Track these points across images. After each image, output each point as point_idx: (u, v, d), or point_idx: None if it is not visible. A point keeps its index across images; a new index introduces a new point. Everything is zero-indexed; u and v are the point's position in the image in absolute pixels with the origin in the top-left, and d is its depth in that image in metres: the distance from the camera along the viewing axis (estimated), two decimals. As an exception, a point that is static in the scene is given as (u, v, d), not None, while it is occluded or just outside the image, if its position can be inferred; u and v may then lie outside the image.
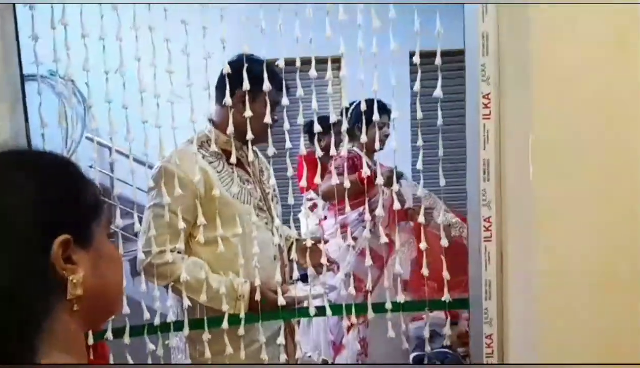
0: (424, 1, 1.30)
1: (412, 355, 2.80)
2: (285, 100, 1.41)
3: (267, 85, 1.40)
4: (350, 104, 2.68)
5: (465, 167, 1.29)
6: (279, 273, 1.55)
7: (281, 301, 1.49)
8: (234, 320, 1.47)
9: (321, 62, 1.36)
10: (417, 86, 1.35)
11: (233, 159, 1.46)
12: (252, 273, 1.49)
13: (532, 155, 1.09)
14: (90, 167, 1.62)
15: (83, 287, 0.62)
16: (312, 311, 1.47)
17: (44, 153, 0.70)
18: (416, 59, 1.32)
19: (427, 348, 1.50)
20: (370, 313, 1.46)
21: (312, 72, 1.37)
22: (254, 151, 1.85)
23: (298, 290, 1.61)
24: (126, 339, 1.46)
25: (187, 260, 1.53)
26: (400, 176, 2.35)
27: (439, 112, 1.33)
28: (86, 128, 4.03)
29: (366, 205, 1.44)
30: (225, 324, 1.45)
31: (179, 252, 1.54)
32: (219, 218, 1.47)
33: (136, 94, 1.39)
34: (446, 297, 1.43)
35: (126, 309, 1.45)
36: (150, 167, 1.60)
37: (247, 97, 1.43)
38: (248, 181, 1.72)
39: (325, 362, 3.11)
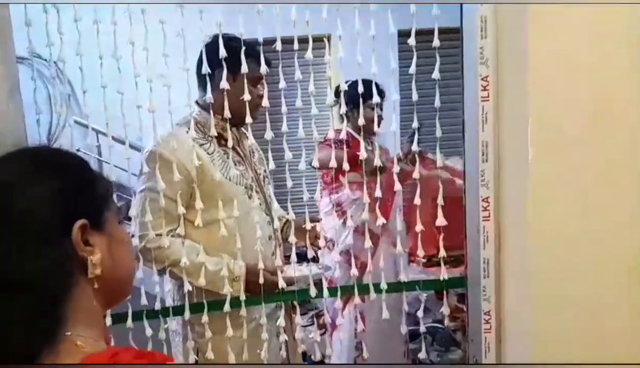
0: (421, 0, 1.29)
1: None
2: (263, 69, 1.43)
3: (244, 68, 1.38)
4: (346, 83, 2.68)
5: (463, 149, 1.31)
6: (278, 254, 1.57)
7: (282, 283, 1.51)
8: (235, 303, 1.49)
9: (314, 41, 1.34)
10: (412, 68, 1.35)
11: (230, 142, 1.47)
12: (248, 254, 1.51)
13: (531, 137, 1.10)
14: (77, 150, 1.61)
15: (101, 267, 0.71)
16: (312, 292, 1.50)
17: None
18: (411, 41, 1.32)
19: (422, 327, 1.52)
20: (373, 295, 1.49)
21: (309, 54, 1.36)
22: (243, 133, 1.85)
23: (295, 270, 1.63)
24: (129, 323, 1.48)
25: (180, 243, 1.54)
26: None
27: (437, 94, 1.34)
28: (71, 112, 3.97)
29: (365, 189, 1.45)
30: (227, 307, 1.47)
31: (179, 236, 1.54)
32: (214, 201, 1.48)
33: (129, 79, 1.36)
34: (442, 275, 1.47)
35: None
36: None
37: (245, 80, 1.43)
38: (240, 163, 1.73)
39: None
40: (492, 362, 1.30)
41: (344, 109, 1.53)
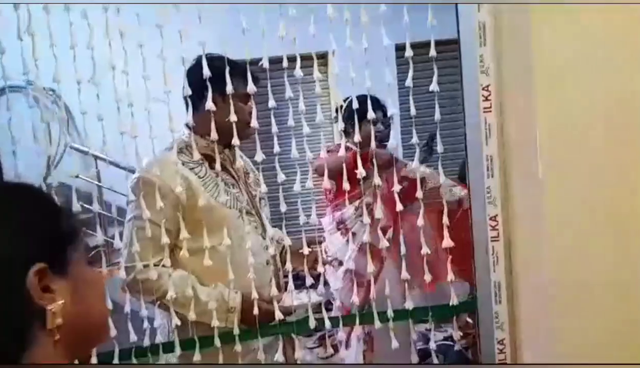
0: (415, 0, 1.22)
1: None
2: (251, 87, 1.33)
3: (229, 87, 1.32)
4: (344, 100, 2.63)
5: (466, 165, 1.22)
6: (274, 283, 1.48)
7: (278, 314, 1.42)
8: (227, 337, 1.40)
9: (307, 59, 1.28)
10: (409, 81, 1.27)
11: (218, 165, 1.38)
12: (244, 283, 1.42)
13: (540, 148, 1.01)
14: (77, 176, 1.54)
15: (63, 316, 0.62)
16: (311, 323, 1.40)
17: (10, 184, 0.74)
18: (408, 53, 1.25)
19: (432, 344, 1.43)
20: (377, 324, 1.39)
21: (298, 72, 1.29)
22: (237, 154, 1.78)
23: (293, 299, 1.53)
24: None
25: (173, 274, 1.46)
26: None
27: (437, 107, 1.26)
28: (70, 138, 3.92)
29: (364, 206, 1.37)
30: (217, 342, 1.37)
31: (164, 266, 1.47)
32: (206, 227, 1.39)
33: (113, 103, 1.31)
34: (452, 301, 1.37)
35: (113, 331, 1.38)
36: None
37: (231, 100, 1.35)
38: (234, 185, 1.65)
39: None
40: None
41: (341, 125, 1.45)
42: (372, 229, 1.44)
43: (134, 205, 1.47)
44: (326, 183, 1.41)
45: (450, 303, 1.37)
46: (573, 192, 1.03)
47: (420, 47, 1.27)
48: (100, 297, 0.73)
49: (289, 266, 1.40)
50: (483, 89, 1.12)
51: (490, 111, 1.12)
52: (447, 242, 1.27)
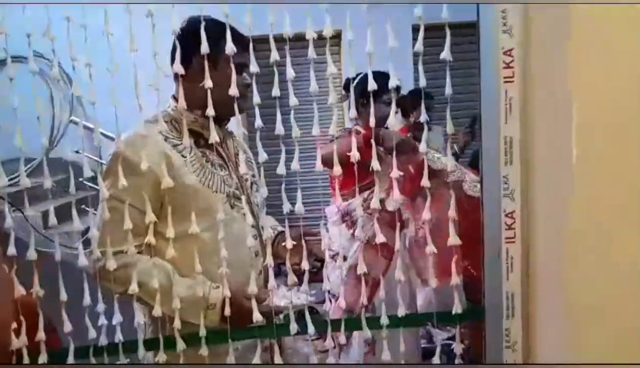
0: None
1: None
2: (254, 67, 1.13)
3: (230, 46, 1.12)
4: (354, 77, 2.43)
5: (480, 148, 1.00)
6: (254, 278, 1.29)
7: (257, 317, 1.23)
8: (193, 339, 1.21)
9: (317, 38, 1.10)
10: (418, 45, 1.06)
11: (213, 138, 1.18)
12: (231, 276, 1.24)
13: (576, 131, 0.79)
14: (77, 152, 1.40)
15: None
16: (292, 329, 1.20)
17: None
18: (417, 12, 1.03)
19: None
20: (367, 332, 1.21)
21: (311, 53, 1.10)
22: (229, 132, 1.62)
23: (279, 297, 1.34)
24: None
25: (147, 261, 1.32)
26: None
27: (448, 79, 1.05)
28: (73, 111, 3.83)
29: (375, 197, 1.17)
30: (180, 346, 1.19)
31: (139, 252, 1.34)
32: (185, 211, 1.22)
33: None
34: (456, 308, 1.17)
35: (68, 326, 1.21)
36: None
37: (206, 63, 1.15)
38: (222, 166, 1.48)
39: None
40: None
41: (352, 111, 1.22)
42: (381, 223, 1.24)
43: (109, 183, 1.32)
44: (336, 170, 1.21)
45: (454, 311, 1.17)
46: (611, 187, 0.81)
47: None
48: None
49: (269, 260, 1.21)
50: (504, 53, 0.90)
51: (513, 81, 0.90)
52: (454, 240, 1.07)
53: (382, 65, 1.15)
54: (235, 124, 1.17)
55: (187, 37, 1.16)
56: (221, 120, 1.51)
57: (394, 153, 1.13)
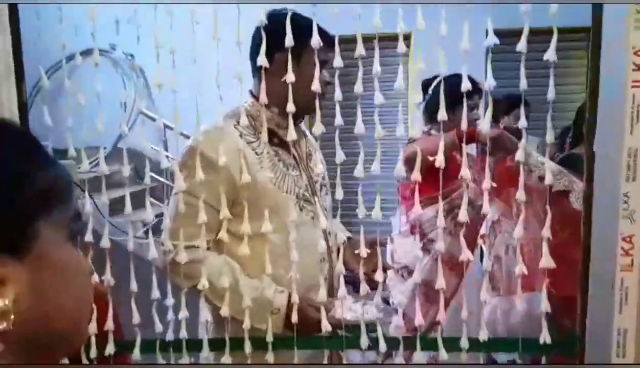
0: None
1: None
2: (338, 61, 1.07)
3: (316, 40, 1.07)
4: (431, 79, 2.27)
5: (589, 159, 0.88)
6: (323, 285, 1.22)
7: (326, 326, 1.16)
8: (260, 343, 1.16)
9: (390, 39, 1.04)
10: (522, 44, 0.95)
11: (290, 136, 1.14)
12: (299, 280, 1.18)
13: None
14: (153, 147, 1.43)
15: (15, 314, 0.44)
16: (364, 343, 1.12)
17: None
18: (525, 8, 0.93)
19: None
20: (443, 355, 1.12)
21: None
22: (301, 130, 1.56)
23: (346, 309, 1.26)
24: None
25: (216, 259, 1.27)
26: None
27: (551, 81, 0.93)
28: (144, 104, 3.97)
29: (440, 211, 1.07)
30: (248, 348, 1.14)
31: (208, 248, 1.28)
32: (255, 210, 1.18)
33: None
34: (544, 337, 1.04)
35: (137, 318, 1.19)
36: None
37: (318, 63, 1.11)
38: (294, 167, 1.42)
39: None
40: None
41: (443, 112, 1.12)
42: (454, 236, 1.15)
43: (185, 176, 1.29)
44: (416, 175, 1.12)
45: (542, 341, 1.05)
46: None
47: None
48: (79, 287, 0.52)
49: (340, 268, 1.14)
50: (636, 52, 0.77)
51: (643, 84, 0.78)
52: (547, 262, 0.95)
53: (456, 67, 1.06)
54: (315, 123, 1.11)
55: (272, 30, 1.12)
56: (297, 118, 1.46)
57: (489, 148, 1.02)
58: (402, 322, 1.21)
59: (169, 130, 3.25)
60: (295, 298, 1.15)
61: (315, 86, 1.09)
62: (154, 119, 3.03)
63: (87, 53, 1.18)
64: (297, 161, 1.47)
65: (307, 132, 1.60)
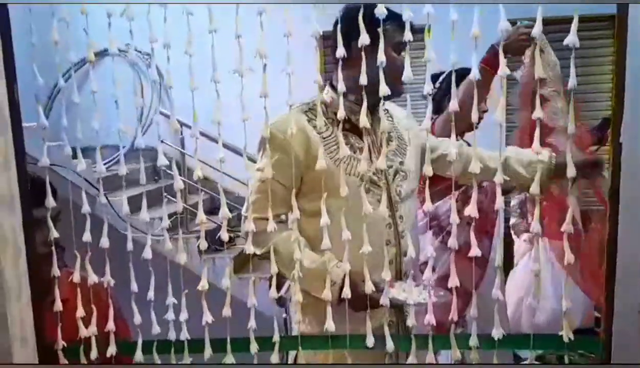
0: None
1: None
2: (408, 35, 1.10)
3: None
4: (439, 73, 2.33)
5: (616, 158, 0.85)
6: (387, 265, 1.25)
7: (385, 301, 1.25)
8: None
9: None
10: (537, 29, 0.93)
11: (363, 123, 1.18)
12: (355, 261, 1.22)
13: None
14: (162, 141, 1.45)
15: None
16: (410, 321, 1.21)
17: None
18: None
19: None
20: (456, 353, 1.17)
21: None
22: (378, 117, 1.52)
23: (399, 290, 1.38)
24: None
25: (282, 231, 1.41)
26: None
27: (572, 69, 0.90)
28: (161, 103, 4.01)
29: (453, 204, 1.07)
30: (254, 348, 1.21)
31: (280, 222, 1.44)
32: (317, 189, 1.24)
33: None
34: (566, 333, 1.02)
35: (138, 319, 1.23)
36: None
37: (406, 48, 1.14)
38: (362, 149, 1.40)
39: None
40: None
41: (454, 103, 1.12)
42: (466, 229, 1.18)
43: (260, 158, 1.45)
44: (427, 169, 1.13)
45: (567, 338, 1.02)
46: None
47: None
48: None
49: (411, 251, 1.27)
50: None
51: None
52: (570, 259, 0.93)
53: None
54: (406, 109, 1.22)
55: (347, 22, 1.18)
56: (375, 103, 1.37)
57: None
58: (428, 320, 1.21)
59: (186, 128, 3.30)
60: (347, 267, 1.19)
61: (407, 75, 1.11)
62: (170, 117, 3.07)
63: (103, 53, 1.22)
64: (369, 146, 1.52)
65: (390, 116, 1.64)
